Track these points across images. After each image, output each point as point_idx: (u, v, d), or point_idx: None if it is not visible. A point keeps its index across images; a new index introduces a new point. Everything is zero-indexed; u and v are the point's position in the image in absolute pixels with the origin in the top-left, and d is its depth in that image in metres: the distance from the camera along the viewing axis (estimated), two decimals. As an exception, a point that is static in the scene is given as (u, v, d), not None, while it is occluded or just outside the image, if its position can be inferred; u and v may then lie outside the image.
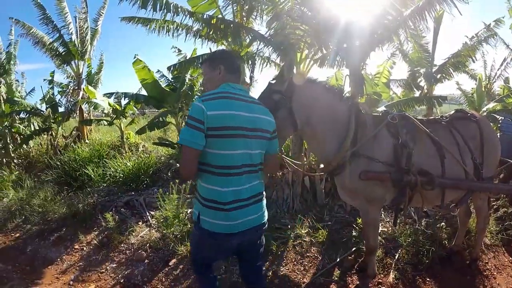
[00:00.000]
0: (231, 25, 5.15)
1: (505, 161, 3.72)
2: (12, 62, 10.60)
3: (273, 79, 2.76)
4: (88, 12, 9.97)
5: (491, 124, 4.35)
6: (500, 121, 5.69)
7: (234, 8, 5.85)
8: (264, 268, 3.43)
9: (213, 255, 2.16)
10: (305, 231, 4.21)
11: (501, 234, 4.15)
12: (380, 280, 3.42)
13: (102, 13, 10.22)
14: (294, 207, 4.96)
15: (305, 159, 5.33)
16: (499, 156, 3.33)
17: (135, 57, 6.55)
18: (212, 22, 5.04)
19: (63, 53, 9.44)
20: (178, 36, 5.91)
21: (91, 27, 10.06)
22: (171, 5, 5.16)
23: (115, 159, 6.94)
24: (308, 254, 3.88)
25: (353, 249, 3.86)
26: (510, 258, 3.83)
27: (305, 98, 2.75)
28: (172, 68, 5.76)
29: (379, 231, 3.97)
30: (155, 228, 4.50)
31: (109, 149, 8.12)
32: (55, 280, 3.84)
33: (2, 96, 9.79)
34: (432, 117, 3.48)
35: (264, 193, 2.11)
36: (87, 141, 9.10)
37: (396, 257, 3.72)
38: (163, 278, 3.54)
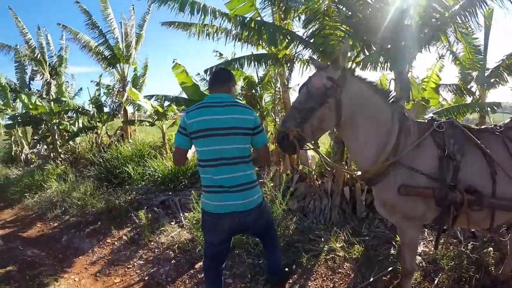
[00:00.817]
0: (266, 27, 5.01)
1: None
2: (63, 65, 11.20)
3: (327, 66, 2.58)
4: (134, 17, 10.39)
5: None
6: None
7: (273, 9, 5.69)
8: (291, 281, 3.28)
9: (211, 236, 2.46)
10: (340, 245, 3.89)
11: None
12: (415, 306, 3.13)
13: (146, 19, 10.49)
14: (331, 219, 4.62)
15: (346, 167, 5.03)
16: None
17: (174, 62, 6.63)
18: (248, 24, 4.93)
19: (108, 57, 9.87)
20: (218, 39, 5.89)
21: (136, 32, 10.39)
22: (209, 9, 5.16)
23: (155, 159, 7.06)
24: (340, 270, 3.58)
25: (389, 268, 3.51)
26: None
27: (354, 92, 2.56)
28: (208, 71, 5.70)
29: (420, 251, 3.74)
30: (186, 229, 4.46)
31: (150, 149, 8.28)
32: (83, 270, 3.95)
33: (52, 96, 10.34)
34: (484, 126, 3.00)
35: (253, 183, 2.41)
36: (130, 140, 9.35)
37: (436, 282, 3.34)
38: (187, 280, 3.48)
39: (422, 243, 3.90)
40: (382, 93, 2.69)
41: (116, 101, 10.26)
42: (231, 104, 2.42)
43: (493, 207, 2.54)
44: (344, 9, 4.62)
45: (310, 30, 4.92)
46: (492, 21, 7.82)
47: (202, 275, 3.50)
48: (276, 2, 5.42)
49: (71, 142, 10.05)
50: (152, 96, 8.13)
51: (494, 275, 3.35)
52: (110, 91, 10.91)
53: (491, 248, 3.74)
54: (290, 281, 3.31)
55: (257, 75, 7.46)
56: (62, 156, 9.57)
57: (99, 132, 10.08)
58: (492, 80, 8.13)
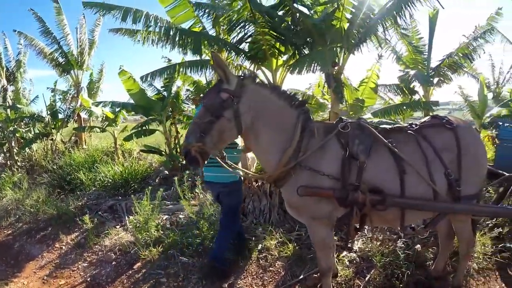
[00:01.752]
0: (191, 35, 5.07)
1: (500, 174, 3.21)
2: (21, 70, 11.06)
3: (225, 78, 2.50)
4: (86, 24, 10.37)
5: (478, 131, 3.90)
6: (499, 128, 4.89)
7: (209, 17, 5.66)
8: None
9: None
10: (274, 244, 3.96)
11: (495, 257, 3.57)
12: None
13: (99, 24, 10.47)
14: (271, 219, 4.67)
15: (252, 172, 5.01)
16: (484, 170, 2.79)
17: (120, 68, 6.75)
18: (172, 33, 4.98)
19: (63, 63, 9.88)
20: (163, 46, 5.79)
21: (89, 38, 10.38)
22: (151, 17, 5.31)
23: (107, 165, 7.18)
24: (271, 268, 3.64)
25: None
26: (503, 285, 3.29)
27: (254, 100, 2.53)
28: (144, 78, 5.73)
29: (356, 248, 3.82)
30: (130, 232, 4.64)
31: (103, 155, 8.36)
32: (32, 274, 4.10)
33: (8, 103, 10.20)
34: (398, 125, 2.99)
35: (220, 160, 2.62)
36: (84, 146, 9.40)
37: (367, 278, 3.34)
38: (125, 280, 3.67)
39: (358, 239, 3.98)
40: (286, 97, 2.63)
41: (71, 107, 10.25)
42: None
43: (400, 207, 2.52)
44: (267, 17, 4.64)
45: (238, 37, 5.07)
46: (436, 24, 8.15)
47: (139, 275, 3.74)
48: (207, 11, 5.48)
49: (27, 150, 9.93)
50: (100, 102, 8.16)
51: (428, 271, 3.35)
52: (65, 97, 10.84)
53: (418, 245, 3.68)
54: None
55: (206, 79, 7.55)
56: (18, 163, 9.47)
57: (54, 138, 10.02)
58: (436, 79, 8.44)
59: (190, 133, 2.43)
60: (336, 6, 4.61)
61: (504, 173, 3.24)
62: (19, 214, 5.99)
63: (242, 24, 4.86)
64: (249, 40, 5.03)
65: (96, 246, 4.49)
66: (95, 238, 4.60)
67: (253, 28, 4.83)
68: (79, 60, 10.01)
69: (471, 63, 8.72)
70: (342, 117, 2.75)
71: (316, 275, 3.32)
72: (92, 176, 6.85)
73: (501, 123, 4.65)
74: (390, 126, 2.86)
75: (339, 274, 3.39)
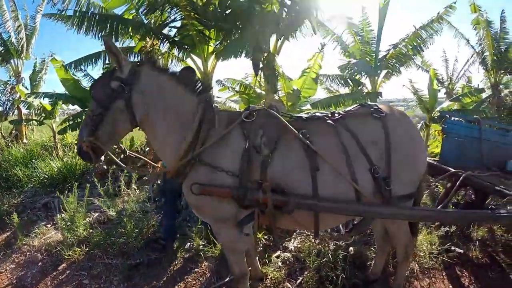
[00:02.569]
0: (109, 19, 4.77)
1: (445, 170, 3.20)
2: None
3: (118, 65, 2.22)
4: (27, 10, 9.90)
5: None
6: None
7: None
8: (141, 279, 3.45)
9: None
10: (201, 244, 3.79)
11: (442, 256, 3.47)
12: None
13: (40, 10, 9.79)
14: None
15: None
16: (421, 167, 2.45)
17: (51, 56, 6.39)
18: (91, 17, 4.69)
19: (2, 51, 9.31)
20: (97, 33, 5.25)
21: (30, 25, 9.83)
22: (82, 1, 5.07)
23: (44, 160, 6.90)
24: (196, 269, 3.53)
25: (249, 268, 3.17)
26: (450, 285, 3.17)
27: (150, 87, 2.24)
28: (68, 66, 5.53)
29: (291, 247, 3.71)
30: (60, 231, 4.48)
31: (42, 149, 8.01)
32: None
33: None
34: (317, 114, 2.47)
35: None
36: (25, 141, 8.97)
37: (298, 282, 3.18)
38: (49, 282, 3.55)
39: (298, 237, 3.88)
40: (186, 84, 2.32)
41: (11, 99, 9.71)
42: None
43: (309, 209, 2.14)
44: None
45: (162, 21, 4.83)
46: (386, 16, 8.05)
47: (63, 276, 3.62)
48: None
49: None
50: (33, 93, 7.77)
51: (365, 274, 3.16)
52: (4, 88, 10.26)
53: (351, 248, 3.54)
54: (141, 279, 3.42)
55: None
56: None
57: (-7, 133, 9.42)
58: (385, 72, 8.34)
59: (82, 128, 2.23)
60: None
61: (450, 168, 3.24)
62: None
63: (161, 7, 4.59)
64: (173, 25, 4.83)
65: (25, 247, 4.30)
66: (24, 238, 4.44)
67: (176, 11, 4.59)
68: (19, 49, 9.43)
69: (419, 54, 8.64)
70: (250, 105, 2.41)
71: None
72: (29, 172, 6.55)
73: (448, 116, 4.41)
74: (306, 116, 2.42)
75: (269, 276, 3.23)
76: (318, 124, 2.30)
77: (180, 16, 4.61)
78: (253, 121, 2.19)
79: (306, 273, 3.26)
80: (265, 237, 3.83)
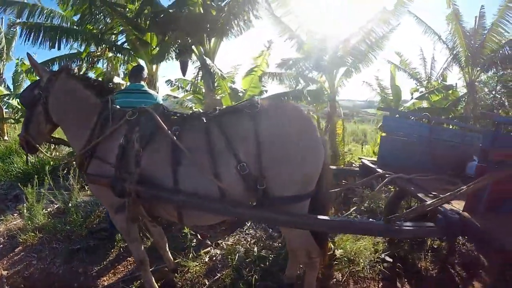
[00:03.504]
0: (49, 29, 4.99)
1: (372, 171, 3.07)
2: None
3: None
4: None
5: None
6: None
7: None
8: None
9: None
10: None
11: (379, 265, 3.28)
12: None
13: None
14: None
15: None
16: (309, 166, 2.25)
17: (21, 61, 6.73)
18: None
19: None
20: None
21: (11, 29, 10.18)
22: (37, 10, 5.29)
23: (20, 157, 7.37)
24: (128, 258, 3.81)
25: (176, 261, 3.49)
26: None
27: (60, 93, 2.61)
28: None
29: (228, 244, 3.85)
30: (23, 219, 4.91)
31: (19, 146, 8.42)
32: None
33: None
34: (196, 112, 2.64)
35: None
36: (6, 137, 9.43)
37: (214, 278, 3.26)
38: (6, 262, 3.96)
39: (237, 236, 3.99)
40: (92, 87, 2.64)
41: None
42: (143, 91, 3.66)
43: (168, 201, 2.28)
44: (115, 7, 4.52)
45: (99, 28, 4.96)
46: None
47: (18, 257, 4.00)
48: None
49: None
50: (7, 95, 8.13)
51: (280, 277, 3.09)
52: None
53: (264, 250, 3.57)
54: (79, 263, 3.75)
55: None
56: None
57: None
58: (343, 69, 7.55)
59: (22, 125, 2.75)
60: None
61: (379, 170, 3.08)
62: None
63: (94, 15, 4.78)
64: (110, 32, 5.01)
65: (-4, 227, 4.80)
66: None
67: (112, 19, 4.77)
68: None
69: (375, 51, 7.47)
70: (142, 106, 2.58)
71: (166, 269, 3.37)
72: (6, 167, 7.03)
73: (388, 113, 4.01)
74: (187, 114, 2.53)
75: (190, 270, 3.42)
76: (192, 121, 2.36)
77: (118, 23, 4.81)
78: (135, 120, 2.40)
79: (225, 271, 3.34)
80: (192, 232, 4.00)
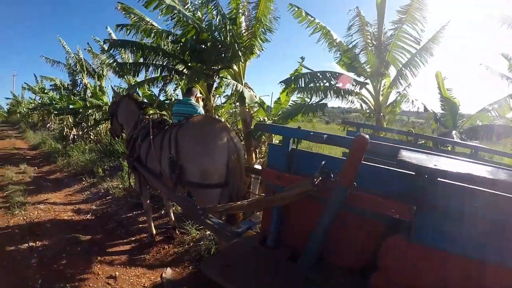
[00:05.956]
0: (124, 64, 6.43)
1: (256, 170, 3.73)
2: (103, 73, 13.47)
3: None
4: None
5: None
6: None
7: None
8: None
9: None
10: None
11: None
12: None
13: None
14: None
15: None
16: (205, 165, 2.90)
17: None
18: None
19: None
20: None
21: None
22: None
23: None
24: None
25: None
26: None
27: (122, 107, 4.24)
28: None
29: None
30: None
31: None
32: (63, 196, 6.71)
33: (88, 96, 13.11)
34: (169, 122, 3.85)
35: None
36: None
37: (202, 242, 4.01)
38: (99, 202, 6.20)
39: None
40: (136, 104, 4.24)
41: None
42: (189, 103, 4.29)
43: (142, 172, 3.52)
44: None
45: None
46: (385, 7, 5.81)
47: (107, 200, 6.21)
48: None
49: (98, 128, 12.61)
50: None
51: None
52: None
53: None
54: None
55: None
56: (92, 137, 12.48)
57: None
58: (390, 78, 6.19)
59: (110, 124, 4.69)
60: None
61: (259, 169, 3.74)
62: (74, 165, 9.13)
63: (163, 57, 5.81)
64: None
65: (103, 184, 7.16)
66: (102, 182, 7.33)
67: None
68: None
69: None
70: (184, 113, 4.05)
71: (169, 226, 4.47)
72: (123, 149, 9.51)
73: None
74: (177, 122, 3.38)
75: (191, 234, 4.26)
76: (163, 127, 3.46)
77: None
78: (144, 125, 3.71)
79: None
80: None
